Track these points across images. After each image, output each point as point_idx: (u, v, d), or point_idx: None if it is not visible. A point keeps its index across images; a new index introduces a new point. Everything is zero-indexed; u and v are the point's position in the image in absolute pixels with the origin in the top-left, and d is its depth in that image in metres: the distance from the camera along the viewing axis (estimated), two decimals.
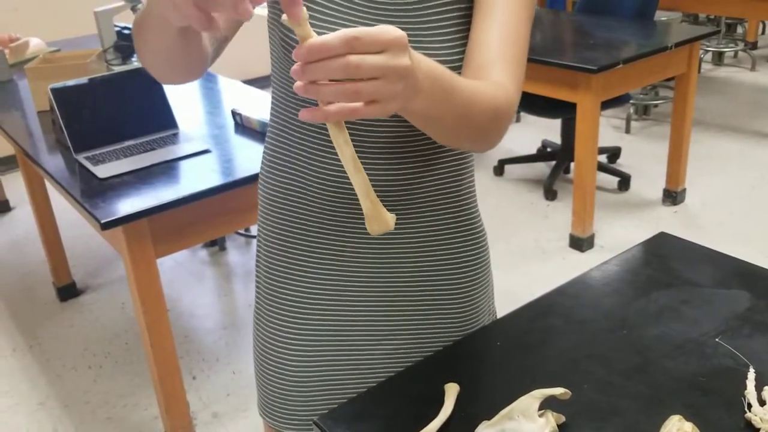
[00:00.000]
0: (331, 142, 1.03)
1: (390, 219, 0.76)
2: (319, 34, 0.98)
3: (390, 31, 0.67)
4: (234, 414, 2.52)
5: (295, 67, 0.66)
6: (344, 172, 1.04)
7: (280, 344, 1.17)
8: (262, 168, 1.17)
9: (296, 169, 1.09)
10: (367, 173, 1.03)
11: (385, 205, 1.07)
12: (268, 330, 1.18)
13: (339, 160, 1.02)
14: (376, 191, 1.04)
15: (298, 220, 1.11)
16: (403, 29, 0.97)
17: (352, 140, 1.02)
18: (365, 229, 1.08)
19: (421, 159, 1.07)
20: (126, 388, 2.68)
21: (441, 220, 1.13)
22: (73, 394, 2.66)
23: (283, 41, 1.01)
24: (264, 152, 1.16)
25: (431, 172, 1.09)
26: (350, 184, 1.05)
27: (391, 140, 1.04)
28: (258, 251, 1.21)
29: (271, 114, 1.13)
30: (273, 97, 1.11)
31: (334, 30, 0.97)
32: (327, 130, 1.02)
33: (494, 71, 0.94)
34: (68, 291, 3.30)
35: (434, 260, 1.14)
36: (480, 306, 1.21)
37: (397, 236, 1.11)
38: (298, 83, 0.67)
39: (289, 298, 1.15)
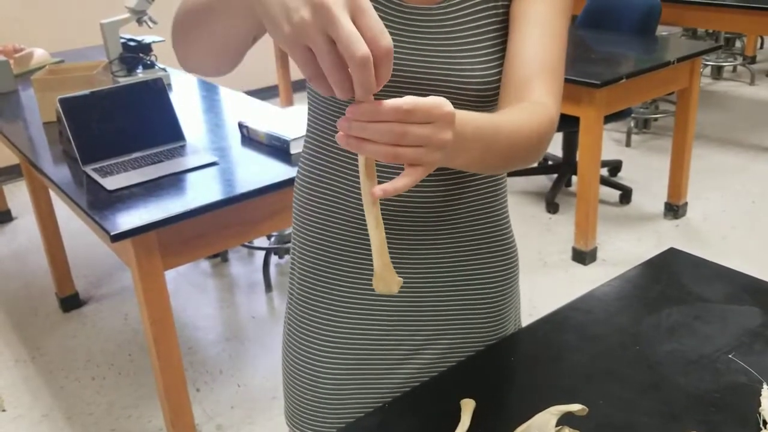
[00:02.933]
0: None
1: (396, 284, 0.78)
2: None
3: (441, 106, 0.69)
4: (239, 426, 2.51)
5: (342, 121, 0.68)
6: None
7: (312, 357, 1.17)
8: (297, 182, 1.17)
9: (332, 187, 1.09)
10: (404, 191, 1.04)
11: (423, 225, 1.08)
12: (301, 342, 1.18)
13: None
14: (414, 209, 1.06)
15: (332, 236, 1.12)
16: (437, 41, 0.98)
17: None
18: (400, 244, 1.09)
19: (458, 176, 1.08)
20: (130, 400, 2.67)
21: (477, 238, 1.13)
22: (77, 405, 2.66)
23: None
24: (299, 167, 1.17)
25: (468, 189, 1.10)
26: (385, 200, 1.05)
27: None
28: (292, 263, 1.21)
29: (308, 131, 1.14)
30: (310, 117, 1.12)
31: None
32: None
33: (535, 88, 0.95)
34: (71, 301, 3.29)
35: (468, 277, 1.15)
36: (508, 319, 1.22)
37: (433, 253, 1.11)
38: (341, 134, 0.69)
39: (323, 312, 1.15)
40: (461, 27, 1.00)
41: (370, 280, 1.12)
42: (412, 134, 0.68)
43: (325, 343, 1.16)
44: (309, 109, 1.13)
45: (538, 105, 0.94)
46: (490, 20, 1.01)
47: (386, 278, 0.77)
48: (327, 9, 0.63)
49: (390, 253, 1.09)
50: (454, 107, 0.91)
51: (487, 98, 1.02)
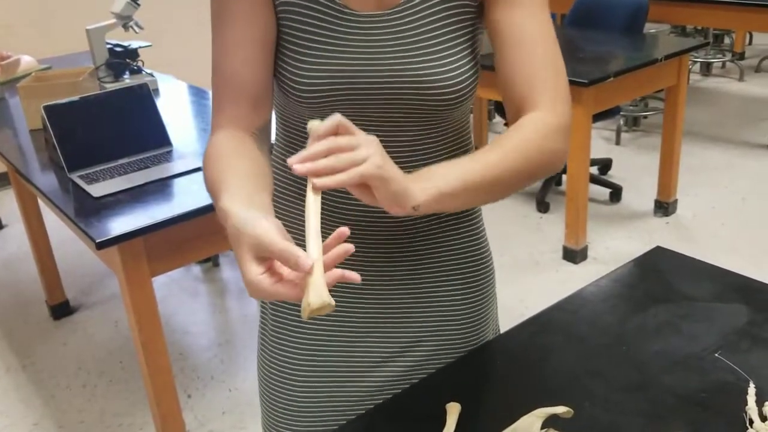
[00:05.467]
0: None
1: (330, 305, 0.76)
2: (302, 50, 0.98)
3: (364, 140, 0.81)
4: None
5: (296, 167, 0.78)
6: (352, 198, 1.04)
7: (286, 364, 1.16)
8: None
9: (302, 192, 1.09)
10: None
11: (395, 231, 1.08)
12: (274, 349, 1.18)
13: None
14: (385, 215, 1.05)
15: (304, 241, 1.11)
16: (392, 49, 0.97)
17: None
18: (373, 252, 1.09)
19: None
20: (121, 407, 2.66)
21: (450, 241, 1.13)
22: (68, 413, 2.64)
23: (276, 76, 1.01)
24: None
25: None
26: (359, 209, 1.05)
27: (397, 164, 1.04)
28: None
29: (276, 137, 1.13)
30: (277, 122, 1.12)
31: (318, 45, 0.98)
32: None
33: (539, 99, 0.97)
34: (62, 309, 3.28)
35: (443, 281, 1.15)
36: (486, 324, 1.22)
37: (407, 257, 1.11)
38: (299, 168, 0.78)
39: (296, 318, 1.15)
40: (416, 32, 0.98)
41: (344, 286, 1.11)
42: (343, 157, 0.78)
43: (297, 349, 1.15)
44: (276, 122, 1.12)
45: (545, 118, 0.96)
46: (447, 22, 1.00)
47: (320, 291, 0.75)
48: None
49: (362, 263, 1.09)
50: (418, 114, 0.98)
51: (452, 102, 1.00)
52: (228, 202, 0.82)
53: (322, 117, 0.99)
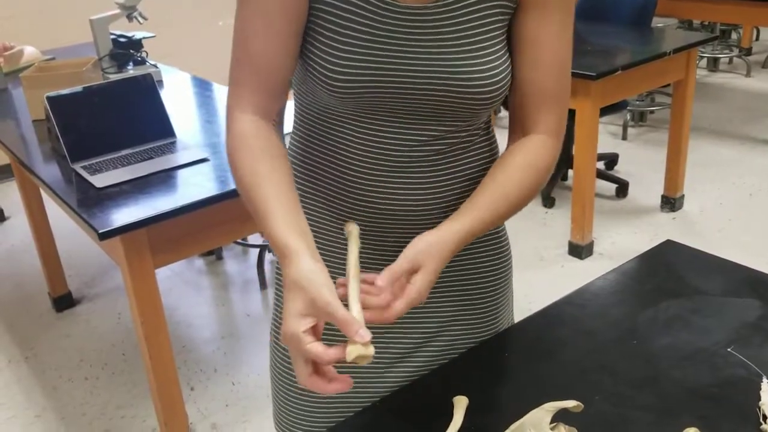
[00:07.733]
0: (358, 154, 1.01)
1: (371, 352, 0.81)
2: (338, 38, 0.94)
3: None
4: (233, 425, 2.49)
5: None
6: (370, 189, 1.04)
7: None
8: None
9: (322, 184, 1.07)
10: (400, 191, 1.03)
11: (415, 226, 1.06)
12: None
13: (364, 174, 1.03)
14: (407, 212, 1.04)
15: (320, 234, 1.09)
16: (434, 42, 0.95)
17: (387, 161, 1.02)
18: (388, 246, 1.07)
19: (447, 178, 1.05)
20: (123, 400, 2.65)
21: None
22: (70, 405, 2.63)
23: (306, 64, 0.99)
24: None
25: (458, 190, 1.07)
26: (376, 200, 1.03)
27: (424, 161, 1.03)
28: (278, 263, 1.19)
29: (295, 124, 1.11)
30: (296, 109, 1.10)
31: (354, 34, 0.95)
32: (355, 148, 1.01)
33: (542, 119, 1.02)
34: (64, 301, 3.27)
35: (462, 278, 1.13)
36: (503, 313, 1.20)
37: None
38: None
39: None
40: (458, 27, 0.96)
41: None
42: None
43: None
44: (296, 108, 1.10)
45: (542, 146, 1.02)
46: (488, 20, 0.97)
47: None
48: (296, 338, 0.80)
49: (384, 255, 1.07)
50: (452, 111, 0.98)
51: (488, 101, 0.99)
52: (287, 239, 0.85)
53: (354, 109, 0.97)
